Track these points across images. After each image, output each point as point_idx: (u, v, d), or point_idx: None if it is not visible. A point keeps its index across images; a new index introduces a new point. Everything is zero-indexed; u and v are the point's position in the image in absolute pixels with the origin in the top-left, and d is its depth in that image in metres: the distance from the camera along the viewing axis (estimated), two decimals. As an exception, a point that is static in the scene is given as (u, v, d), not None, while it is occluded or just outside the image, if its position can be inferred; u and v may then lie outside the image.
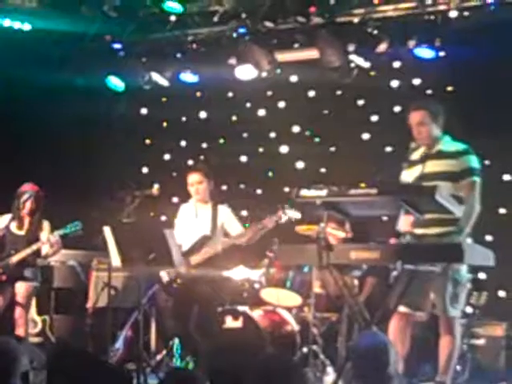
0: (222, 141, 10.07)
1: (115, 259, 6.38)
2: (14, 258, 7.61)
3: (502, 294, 8.16)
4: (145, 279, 6.75)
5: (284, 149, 9.67)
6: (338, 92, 9.22)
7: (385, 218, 6.51)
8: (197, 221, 7.35)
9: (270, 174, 9.73)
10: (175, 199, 9.32)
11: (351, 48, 8.29)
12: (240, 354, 6.25)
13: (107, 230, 6.34)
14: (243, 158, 9.89)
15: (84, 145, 9.78)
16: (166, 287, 7.26)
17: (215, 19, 8.86)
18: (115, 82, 9.61)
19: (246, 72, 8.89)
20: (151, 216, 9.48)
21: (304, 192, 5.25)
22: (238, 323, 6.86)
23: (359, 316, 5.32)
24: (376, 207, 5.33)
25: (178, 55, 9.38)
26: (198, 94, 10.00)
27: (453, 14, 7.88)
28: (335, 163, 9.11)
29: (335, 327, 7.27)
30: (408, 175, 5.86)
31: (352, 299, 5.56)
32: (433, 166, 5.78)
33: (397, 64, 8.69)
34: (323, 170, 9.29)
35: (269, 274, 7.51)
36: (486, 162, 7.41)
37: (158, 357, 7.54)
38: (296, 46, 8.88)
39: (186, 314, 7.13)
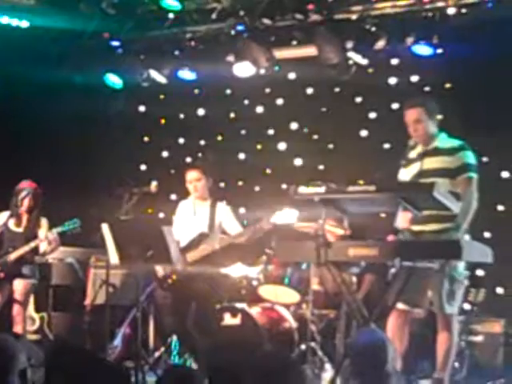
0: (220, 138, 10.06)
1: (113, 256, 6.37)
2: (12, 256, 7.60)
3: (500, 290, 8.17)
4: (143, 276, 6.74)
5: (282, 146, 9.66)
6: (336, 89, 9.21)
7: (383, 215, 6.50)
8: (195, 218, 7.33)
9: (268, 170, 9.72)
10: (173, 196, 9.32)
11: (349, 45, 8.29)
12: (238, 351, 6.26)
13: (105, 228, 6.34)
14: (241, 155, 9.88)
15: (82, 142, 9.77)
16: (160, 281, 7.24)
17: (213, 16, 8.87)
18: (113, 80, 9.61)
19: (244, 69, 8.88)
20: (149, 213, 9.48)
21: (302, 189, 5.25)
22: (236, 320, 6.85)
23: (357, 313, 5.32)
24: (374, 204, 5.34)
25: (176, 52, 9.39)
26: (196, 91, 10.00)
27: (451, 11, 7.90)
28: (333, 160, 9.10)
29: (333, 324, 7.26)
30: (406, 173, 5.86)
31: (350, 296, 5.55)
32: (430, 163, 5.77)
33: (395, 61, 8.68)
34: (321, 166, 9.28)
35: (267, 271, 7.50)
36: (484, 159, 7.44)
37: (157, 354, 7.55)
38: (294, 43, 8.90)
39: (184, 311, 7.13)
